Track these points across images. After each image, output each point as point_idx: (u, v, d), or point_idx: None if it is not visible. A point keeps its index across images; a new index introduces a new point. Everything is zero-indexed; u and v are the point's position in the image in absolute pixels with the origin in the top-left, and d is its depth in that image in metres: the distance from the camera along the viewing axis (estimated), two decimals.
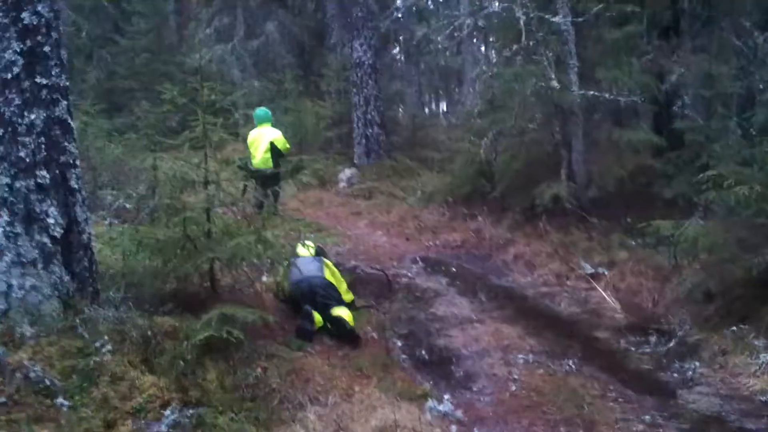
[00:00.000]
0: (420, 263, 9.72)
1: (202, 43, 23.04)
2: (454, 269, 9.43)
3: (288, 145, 11.37)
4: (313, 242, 7.87)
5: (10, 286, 5.08)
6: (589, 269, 8.60)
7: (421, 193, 13.33)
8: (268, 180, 10.56)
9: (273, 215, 8.36)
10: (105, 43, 22.47)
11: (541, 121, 10.56)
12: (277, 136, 11.11)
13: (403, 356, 6.44)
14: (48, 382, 4.53)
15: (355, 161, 16.47)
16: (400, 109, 20.98)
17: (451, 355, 6.54)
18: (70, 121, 5.43)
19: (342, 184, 14.89)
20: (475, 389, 5.81)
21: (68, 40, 18.78)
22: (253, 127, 11.33)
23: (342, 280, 7.32)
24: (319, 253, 7.58)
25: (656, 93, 10.08)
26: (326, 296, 6.73)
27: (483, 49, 30.19)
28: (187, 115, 6.80)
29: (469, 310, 7.74)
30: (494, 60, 14.17)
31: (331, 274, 7.15)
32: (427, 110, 32.20)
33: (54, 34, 5.28)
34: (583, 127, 10.27)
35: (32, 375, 4.53)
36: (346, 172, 15.15)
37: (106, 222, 8.93)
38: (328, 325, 6.57)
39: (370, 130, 16.39)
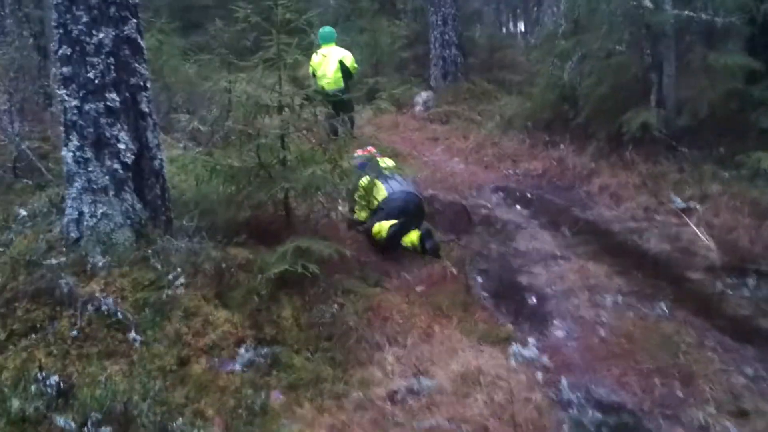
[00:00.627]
0: (499, 193, 9.28)
1: None
2: (535, 200, 8.95)
3: (356, 65, 10.95)
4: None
5: (81, 213, 4.91)
6: (680, 203, 7.99)
7: (499, 118, 12.74)
8: (341, 104, 10.26)
9: (349, 141, 8.03)
10: None
11: (630, 43, 9.82)
12: (346, 55, 10.72)
13: (485, 294, 6.09)
14: (120, 316, 4.37)
15: (432, 83, 15.92)
16: (477, 29, 20.10)
17: (534, 293, 6.15)
18: (140, 40, 5.14)
19: (418, 108, 14.40)
20: (561, 333, 5.44)
21: None
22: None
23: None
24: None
25: (754, 13, 9.20)
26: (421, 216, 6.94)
27: None
28: (262, 34, 6.42)
29: (552, 245, 7.32)
30: None
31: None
32: (504, 30, 30.91)
33: None
34: (675, 49, 9.51)
35: (104, 308, 4.38)
36: (423, 95, 14.62)
37: (180, 145, 8.73)
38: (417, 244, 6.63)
39: (448, 51, 15.75)
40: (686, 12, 9.02)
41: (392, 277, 6.01)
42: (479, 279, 6.39)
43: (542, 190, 9.34)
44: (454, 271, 6.27)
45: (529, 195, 9.16)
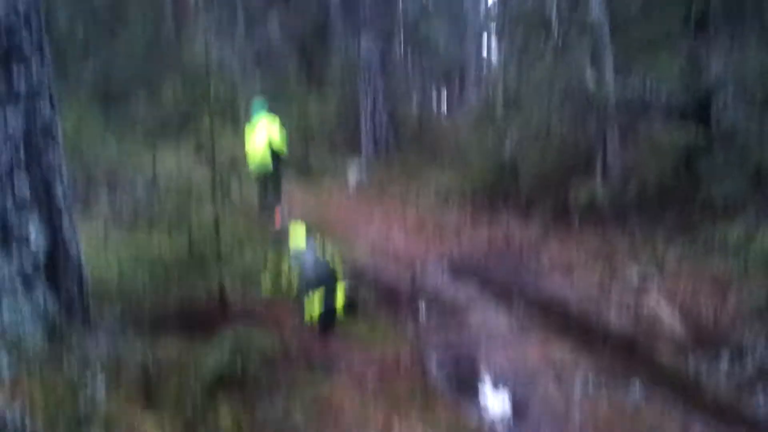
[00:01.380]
0: (445, 267, 8.87)
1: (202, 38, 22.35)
2: (483, 275, 8.54)
3: (283, 145, 10.48)
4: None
5: None
6: (636, 276, 7.68)
7: (436, 192, 12.43)
8: (270, 180, 9.91)
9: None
10: (101, 39, 21.55)
11: (570, 119, 9.75)
12: (273, 134, 10.25)
13: (443, 381, 5.54)
14: (29, 430, 3.64)
15: (364, 155, 15.64)
16: (408, 106, 20.13)
17: (498, 378, 5.66)
18: (54, 122, 4.58)
19: (352, 183, 14.02)
20: (532, 422, 4.91)
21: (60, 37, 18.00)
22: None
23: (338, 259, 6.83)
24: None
25: (694, 89, 9.15)
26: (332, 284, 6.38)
27: (493, 46, 29.10)
28: (187, 114, 5.94)
29: (508, 323, 6.87)
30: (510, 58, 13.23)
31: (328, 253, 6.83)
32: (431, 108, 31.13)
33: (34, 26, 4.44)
34: (618, 124, 9.43)
35: (10, 421, 3.64)
36: (355, 171, 14.27)
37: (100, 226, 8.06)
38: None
39: (379, 130, 15.58)
40: (629, 88, 9.04)
41: (341, 363, 5.41)
42: (435, 364, 5.84)
43: (489, 264, 8.95)
44: (408, 356, 5.71)
45: (476, 270, 8.75)
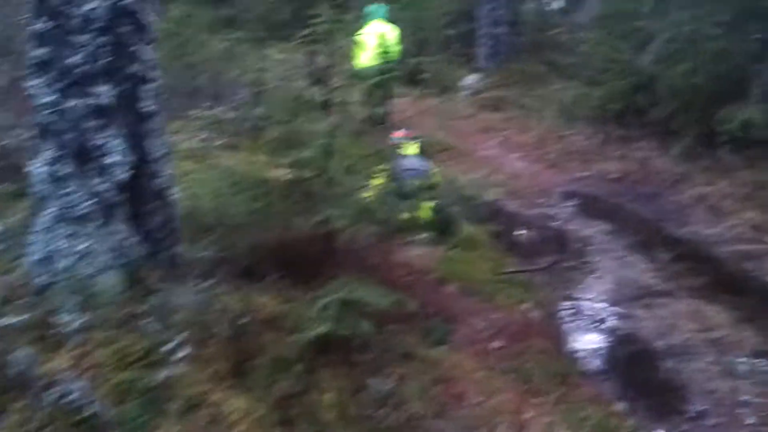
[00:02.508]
0: (572, 201, 7.86)
1: None
2: (617, 211, 7.52)
3: (398, 47, 9.56)
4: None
5: (53, 251, 3.52)
6: None
7: (560, 108, 11.21)
8: (381, 86, 9.02)
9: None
10: None
11: (731, 25, 8.29)
12: (386, 30, 9.41)
13: (582, 354, 4.68)
14: (95, 409, 2.99)
15: (480, 64, 14.38)
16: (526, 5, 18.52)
17: (643, 350, 4.76)
18: (145, 12, 3.72)
19: (466, 92, 12.88)
20: (692, 415, 4.02)
21: None
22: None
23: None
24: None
25: None
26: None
27: None
28: (300, 7, 5.01)
29: (648, 276, 5.92)
30: None
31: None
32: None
33: None
34: None
35: (72, 395, 2.99)
36: (470, 78, 13.10)
37: (202, 136, 7.36)
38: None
39: (498, 29, 14.21)
40: None
41: (460, 326, 4.59)
42: (570, 330, 4.96)
43: (623, 198, 7.85)
44: (538, 316, 4.85)
45: (608, 204, 7.70)
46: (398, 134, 7.23)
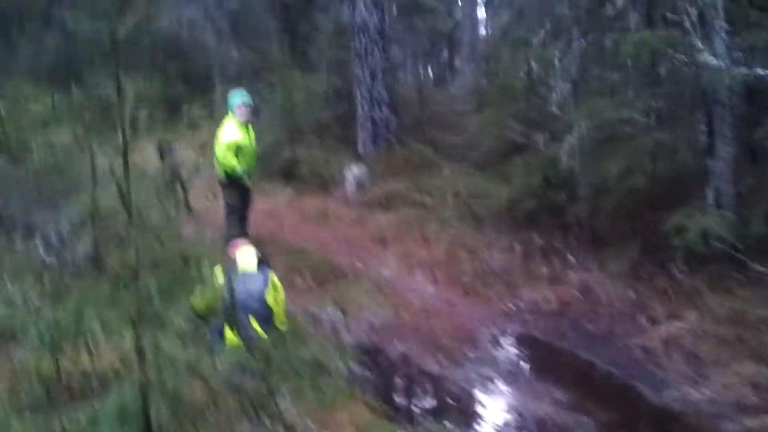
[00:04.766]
0: (507, 350, 5.89)
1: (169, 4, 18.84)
2: (567, 366, 5.58)
3: (227, 160, 7.63)
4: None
5: None
6: None
7: (459, 203, 9.36)
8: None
9: None
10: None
11: (670, 113, 6.74)
12: (220, 138, 7.72)
13: None
14: None
15: (360, 150, 12.45)
16: (404, 82, 16.96)
17: None
18: None
19: (348, 186, 10.85)
20: None
21: None
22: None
23: (281, 302, 5.22)
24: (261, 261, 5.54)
25: None
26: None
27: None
28: None
29: None
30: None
31: (273, 295, 5.18)
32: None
33: None
34: (732, 123, 6.39)
35: None
36: (353, 170, 11.05)
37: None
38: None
39: (378, 112, 12.38)
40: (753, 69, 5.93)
41: None
42: None
43: (570, 343, 5.91)
44: None
45: (556, 356, 5.76)
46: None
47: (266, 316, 5.04)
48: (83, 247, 6.56)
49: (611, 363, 5.47)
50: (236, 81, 16.04)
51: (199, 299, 4.91)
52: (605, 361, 5.51)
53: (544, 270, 7.00)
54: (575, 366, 5.58)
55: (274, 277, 5.42)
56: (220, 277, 5.08)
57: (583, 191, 7.65)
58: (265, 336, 4.84)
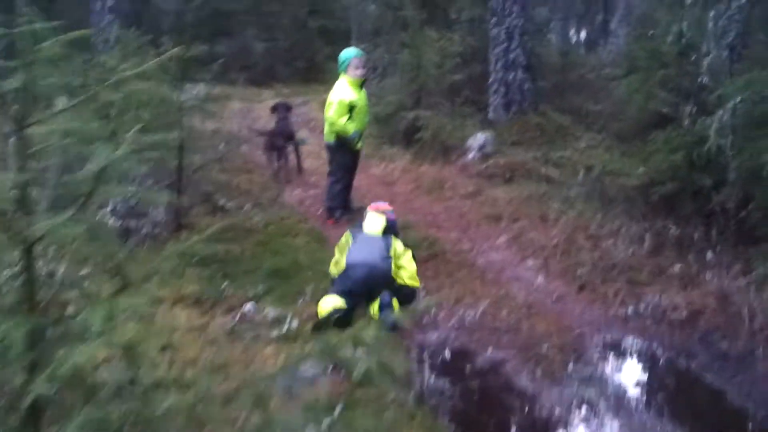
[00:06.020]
0: (620, 365, 4.88)
1: None
2: (695, 396, 4.52)
3: (341, 123, 7.17)
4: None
5: None
6: None
7: (590, 180, 8.26)
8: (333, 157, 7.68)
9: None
10: None
11: None
12: (331, 98, 7.28)
13: None
14: None
15: (490, 115, 11.49)
16: (548, 42, 15.61)
17: None
18: None
19: (472, 154, 9.94)
20: None
21: None
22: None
23: (411, 263, 5.51)
24: (389, 227, 5.79)
25: None
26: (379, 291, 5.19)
27: None
28: None
29: None
30: None
31: (397, 256, 5.46)
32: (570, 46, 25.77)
33: None
34: None
35: None
36: (479, 137, 10.12)
37: None
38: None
39: (512, 74, 11.32)
40: None
41: None
42: None
43: (698, 363, 4.80)
44: None
45: (678, 380, 4.70)
46: (377, 206, 6.06)
47: (382, 277, 5.24)
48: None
49: (748, 396, 4.36)
50: (371, 38, 15.47)
51: (333, 267, 5.58)
52: (741, 391, 4.41)
53: (677, 268, 5.86)
54: (701, 395, 4.51)
55: (397, 243, 5.55)
56: (348, 240, 5.59)
57: (732, 176, 6.35)
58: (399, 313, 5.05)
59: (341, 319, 4.83)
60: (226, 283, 5.44)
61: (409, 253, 5.57)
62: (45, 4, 15.46)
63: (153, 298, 4.92)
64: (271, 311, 5.08)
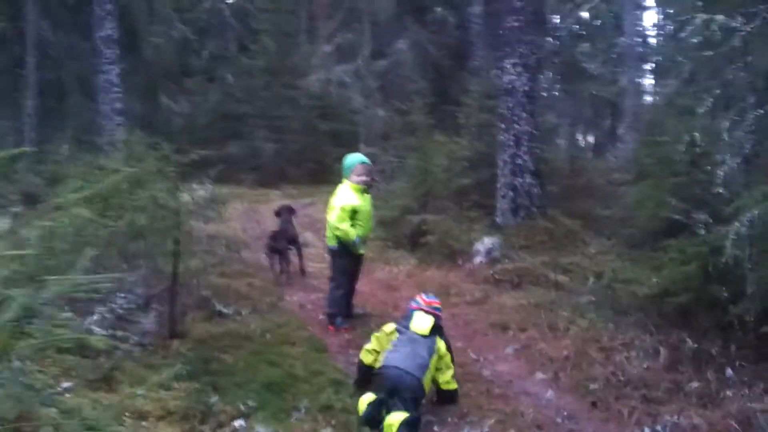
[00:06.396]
0: None
1: (322, 62, 18.76)
2: None
3: (343, 228, 7.03)
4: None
5: None
6: None
7: (595, 278, 8.02)
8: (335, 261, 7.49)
9: None
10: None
11: None
12: (333, 203, 7.20)
13: None
14: None
15: (498, 220, 11.33)
16: (557, 148, 15.65)
17: None
18: None
19: (479, 259, 9.72)
20: None
21: None
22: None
23: (450, 366, 5.44)
24: (437, 327, 5.53)
25: None
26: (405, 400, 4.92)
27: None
28: None
29: None
30: None
31: (438, 358, 5.32)
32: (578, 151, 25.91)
33: None
34: None
35: None
36: (486, 242, 9.93)
37: None
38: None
39: (520, 179, 11.22)
40: None
41: None
42: None
43: None
44: None
45: None
46: (430, 302, 5.78)
47: (409, 389, 5.02)
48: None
49: None
50: (379, 142, 15.61)
51: (366, 353, 5.53)
52: None
53: (695, 385, 5.49)
54: None
55: (440, 344, 5.41)
56: (392, 335, 5.46)
57: (751, 289, 6.06)
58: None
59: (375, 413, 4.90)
60: (216, 398, 5.10)
61: (449, 355, 5.47)
62: (54, 104, 15.76)
63: (137, 413, 4.61)
64: (261, 430, 4.74)
